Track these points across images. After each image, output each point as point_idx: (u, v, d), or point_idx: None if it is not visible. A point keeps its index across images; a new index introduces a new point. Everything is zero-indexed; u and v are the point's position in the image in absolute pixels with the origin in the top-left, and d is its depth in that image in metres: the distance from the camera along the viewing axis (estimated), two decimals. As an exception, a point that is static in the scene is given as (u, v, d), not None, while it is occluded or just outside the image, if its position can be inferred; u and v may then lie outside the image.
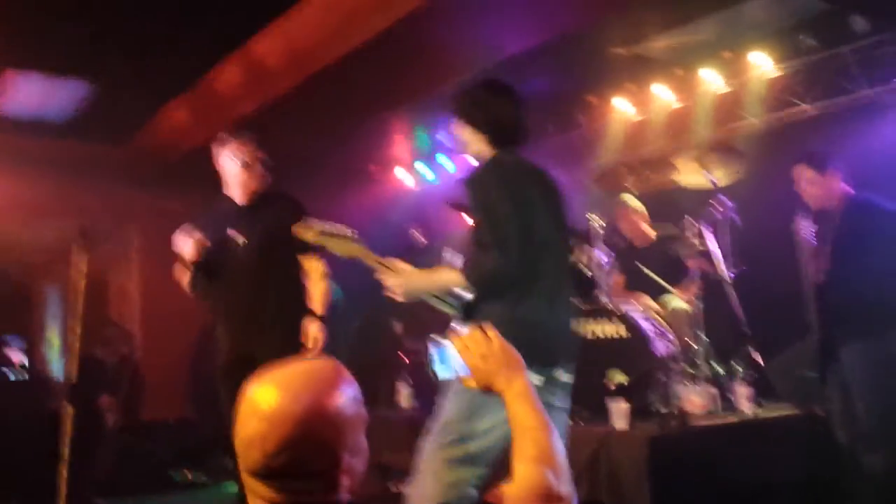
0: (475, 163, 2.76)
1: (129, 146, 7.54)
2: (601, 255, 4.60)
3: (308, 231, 2.67)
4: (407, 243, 6.15)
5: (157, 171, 7.72)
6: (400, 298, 2.63)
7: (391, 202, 8.12)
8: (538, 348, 2.48)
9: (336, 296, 5.68)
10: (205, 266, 3.44)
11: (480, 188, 2.57)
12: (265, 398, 1.22)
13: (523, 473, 1.36)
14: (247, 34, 5.51)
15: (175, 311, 6.75)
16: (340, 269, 3.82)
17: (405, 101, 6.60)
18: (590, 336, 4.25)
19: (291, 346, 3.40)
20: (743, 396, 4.00)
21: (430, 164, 8.21)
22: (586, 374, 4.16)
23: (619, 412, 3.76)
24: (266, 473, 1.20)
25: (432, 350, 1.52)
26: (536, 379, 2.47)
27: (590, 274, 4.61)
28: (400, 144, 8.10)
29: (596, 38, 5.58)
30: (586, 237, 4.69)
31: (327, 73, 5.55)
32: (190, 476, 5.43)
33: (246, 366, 3.32)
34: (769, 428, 3.92)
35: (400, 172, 8.40)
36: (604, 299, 4.43)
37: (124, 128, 7.17)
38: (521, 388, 1.47)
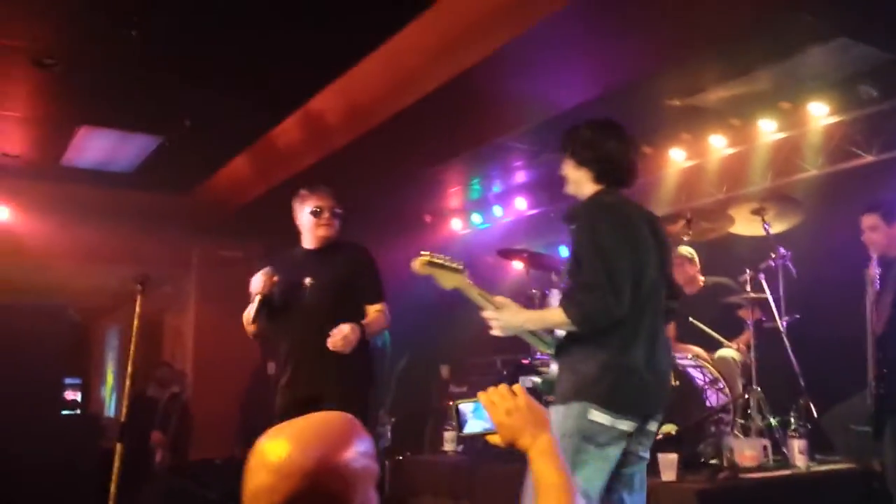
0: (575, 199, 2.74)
1: (192, 197, 7.81)
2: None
3: (417, 261, 2.68)
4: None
5: (217, 220, 7.96)
6: (498, 333, 2.61)
7: (442, 248, 8.15)
8: (638, 397, 2.48)
9: (383, 339, 5.70)
10: (270, 302, 3.48)
11: (589, 226, 2.53)
12: (275, 450, 1.18)
13: None
14: (308, 93, 5.67)
15: (228, 354, 6.88)
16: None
17: (460, 152, 6.69)
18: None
19: (353, 389, 3.41)
20: (796, 450, 3.83)
21: (483, 211, 8.33)
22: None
23: (668, 463, 3.63)
24: None
25: (462, 407, 1.48)
26: (628, 426, 2.44)
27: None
28: (454, 194, 8.21)
29: (651, 91, 5.59)
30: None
31: (384, 128, 5.67)
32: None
33: (307, 407, 3.40)
34: (823, 483, 3.74)
35: (454, 222, 8.52)
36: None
37: (188, 180, 7.44)
38: (545, 446, 1.43)
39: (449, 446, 5.17)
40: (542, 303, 5.29)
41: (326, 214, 3.57)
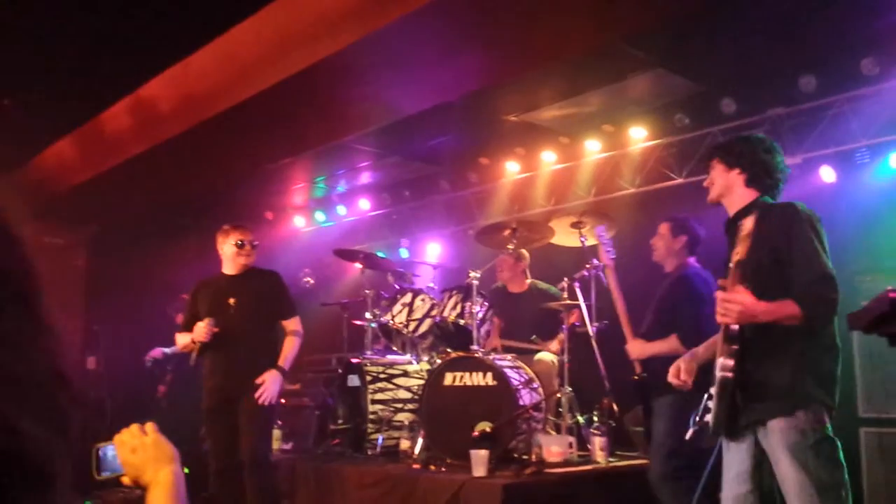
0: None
1: (13, 179, 7.31)
2: (477, 308, 4.71)
3: None
4: (296, 285, 6.14)
5: (38, 205, 7.48)
6: (730, 320, 2.50)
7: (283, 245, 8.17)
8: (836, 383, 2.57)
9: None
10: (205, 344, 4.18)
11: (810, 225, 2.60)
12: None
13: None
14: (138, 79, 5.51)
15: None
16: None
17: (299, 151, 6.68)
18: (459, 384, 4.35)
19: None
20: (597, 446, 4.13)
21: (326, 210, 8.40)
22: (455, 422, 4.26)
23: (479, 459, 3.81)
24: None
25: (106, 450, 1.45)
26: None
27: (465, 325, 4.72)
28: (298, 191, 8.19)
29: (491, 105, 5.85)
30: (467, 291, 4.81)
31: (219, 120, 5.53)
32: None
33: (230, 403, 4.12)
34: (619, 477, 4.05)
35: (297, 219, 8.52)
36: (475, 349, 4.52)
37: (8, 160, 6.97)
38: (163, 479, 1.43)
39: (275, 444, 5.14)
40: (374, 303, 5.40)
41: (248, 247, 4.29)
